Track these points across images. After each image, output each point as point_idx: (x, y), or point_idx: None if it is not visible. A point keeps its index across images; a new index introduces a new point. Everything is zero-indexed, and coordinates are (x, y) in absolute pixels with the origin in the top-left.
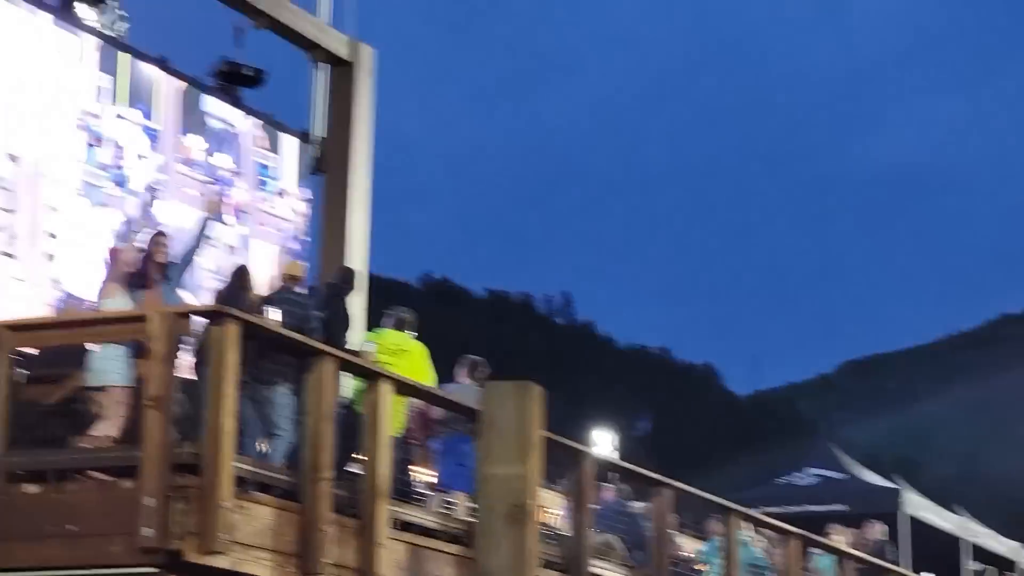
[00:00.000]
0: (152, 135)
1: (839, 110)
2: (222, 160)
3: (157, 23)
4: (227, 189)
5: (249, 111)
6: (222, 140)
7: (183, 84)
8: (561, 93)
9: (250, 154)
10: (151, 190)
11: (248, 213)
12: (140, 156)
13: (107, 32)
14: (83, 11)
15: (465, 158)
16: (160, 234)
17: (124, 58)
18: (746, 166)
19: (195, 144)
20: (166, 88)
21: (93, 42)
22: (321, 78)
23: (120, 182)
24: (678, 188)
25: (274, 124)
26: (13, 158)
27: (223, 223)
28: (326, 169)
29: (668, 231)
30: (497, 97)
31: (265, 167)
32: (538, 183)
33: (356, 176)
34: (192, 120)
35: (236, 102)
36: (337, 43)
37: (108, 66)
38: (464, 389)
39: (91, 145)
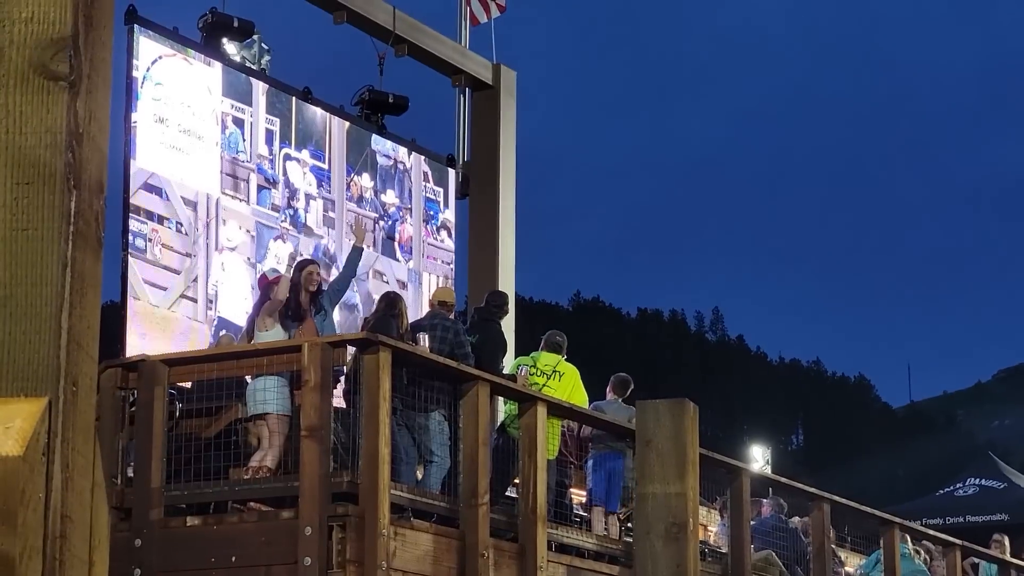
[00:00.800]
0: (321, 175)
1: (984, 110)
2: (390, 196)
3: (300, 55)
4: (397, 224)
5: (394, 138)
6: (390, 176)
7: (347, 123)
8: (702, 103)
9: (418, 189)
10: (323, 229)
11: (417, 248)
12: (310, 197)
13: (251, 66)
14: (229, 46)
15: (609, 175)
16: (310, 262)
17: (291, 100)
18: (892, 171)
19: (364, 182)
20: (333, 127)
21: (261, 86)
22: (463, 102)
23: (293, 223)
24: (824, 197)
25: (419, 150)
26: (189, 203)
27: (378, 253)
28: (472, 193)
29: (817, 241)
30: (639, 111)
31: (433, 201)
32: (683, 197)
33: (502, 199)
34: (360, 158)
35: (381, 130)
36: (479, 67)
37: (276, 109)
38: (612, 406)
39: (263, 188)
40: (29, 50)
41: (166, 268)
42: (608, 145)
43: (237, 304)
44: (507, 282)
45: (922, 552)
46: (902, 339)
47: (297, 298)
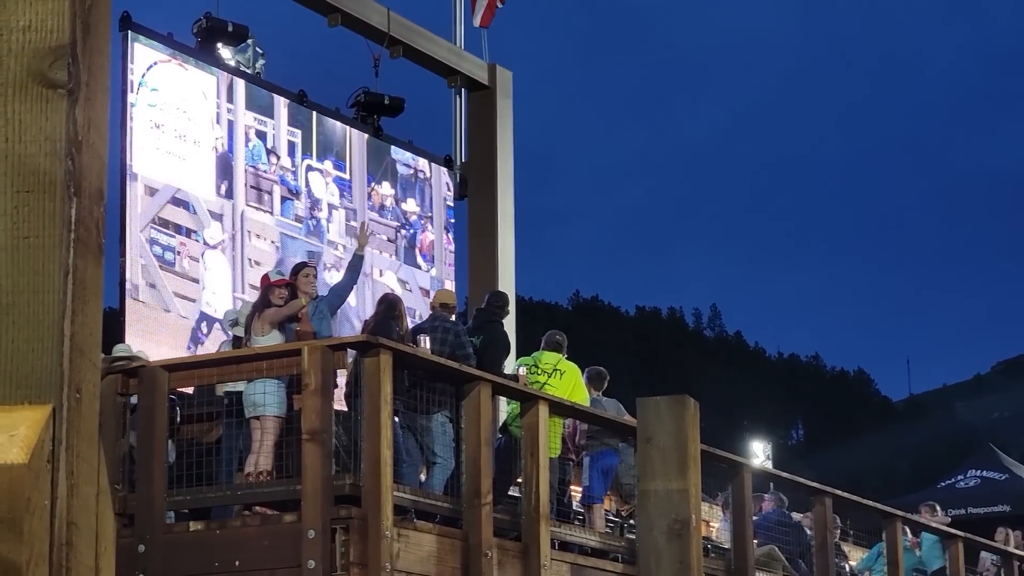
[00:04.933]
0: (343, 185)
1: (981, 104)
2: (411, 205)
3: (295, 58)
4: (418, 233)
5: (390, 140)
6: (410, 185)
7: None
8: (699, 102)
9: (439, 198)
10: (346, 238)
11: (439, 255)
12: (333, 207)
13: (246, 70)
14: (224, 50)
15: (606, 174)
16: (306, 264)
17: (312, 113)
18: (890, 165)
19: (385, 191)
20: (353, 138)
21: (283, 101)
22: (459, 103)
23: (316, 233)
24: (821, 193)
25: (416, 151)
26: (217, 216)
27: (400, 261)
28: (470, 193)
29: (813, 237)
30: (635, 111)
31: (453, 209)
32: (679, 195)
33: (500, 199)
34: (380, 167)
35: (377, 132)
36: (474, 68)
37: (298, 121)
38: (596, 404)
39: (286, 199)
40: (27, 58)
41: (193, 280)
42: (605, 144)
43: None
44: (507, 282)
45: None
46: (901, 332)
47: (294, 298)
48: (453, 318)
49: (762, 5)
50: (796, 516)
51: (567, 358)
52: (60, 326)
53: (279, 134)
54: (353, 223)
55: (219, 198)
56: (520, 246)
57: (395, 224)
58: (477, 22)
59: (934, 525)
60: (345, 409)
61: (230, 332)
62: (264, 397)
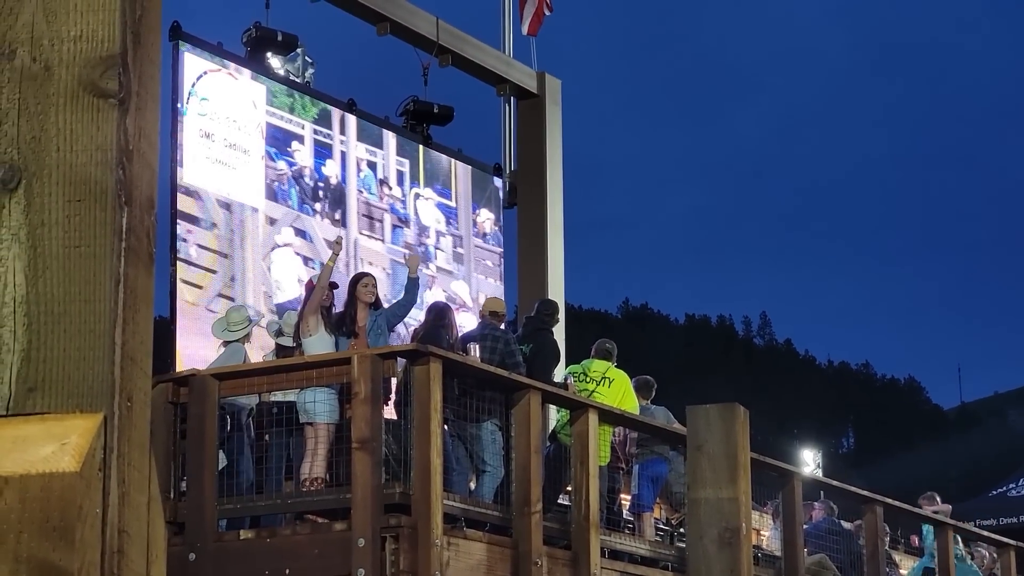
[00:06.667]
0: (450, 212)
1: None
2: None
3: (344, 67)
4: None
5: (439, 148)
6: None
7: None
8: (749, 109)
9: None
10: (453, 264)
11: None
12: (440, 233)
13: (295, 79)
14: (273, 60)
15: (656, 182)
16: (365, 275)
17: (419, 147)
18: (942, 171)
19: (487, 217)
20: (457, 167)
21: (390, 135)
22: (508, 111)
23: (425, 260)
24: (871, 200)
25: (465, 160)
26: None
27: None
28: (520, 202)
29: (863, 244)
30: (685, 118)
31: None
32: (730, 203)
33: (550, 207)
34: (484, 195)
35: (426, 140)
36: (523, 76)
37: (406, 151)
38: (646, 412)
39: (396, 227)
40: (78, 68)
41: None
42: (655, 151)
43: None
44: (556, 290)
45: (976, 553)
46: (952, 340)
47: (352, 312)
48: (503, 326)
49: (813, 12)
50: (846, 525)
51: (616, 366)
52: (111, 335)
53: (388, 164)
54: (460, 249)
55: (277, 204)
56: (570, 254)
57: (498, 250)
58: (525, 30)
59: (985, 534)
60: (395, 417)
61: (274, 341)
62: (315, 405)
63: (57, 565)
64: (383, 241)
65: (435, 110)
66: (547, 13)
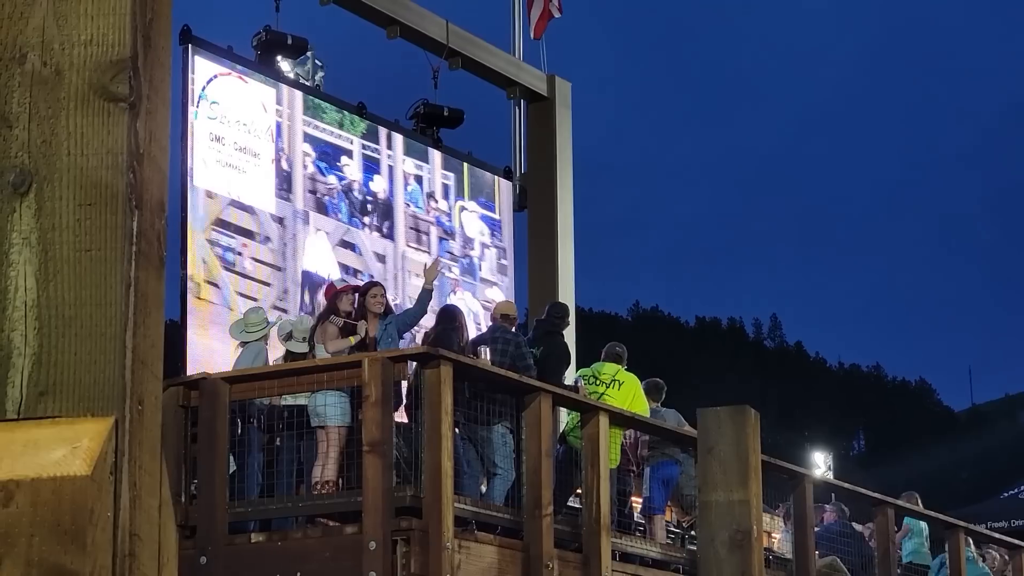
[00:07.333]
0: (494, 225)
1: None
2: None
3: (354, 70)
4: None
5: (449, 151)
6: None
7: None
8: (758, 112)
9: None
10: (496, 275)
11: None
12: (484, 245)
13: (305, 83)
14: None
15: (665, 185)
16: (375, 284)
17: (462, 163)
18: (950, 175)
19: None
20: (500, 181)
21: (437, 154)
22: (518, 114)
23: (470, 271)
24: (880, 203)
25: (475, 163)
26: (381, 258)
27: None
28: (529, 205)
29: (873, 247)
30: (694, 121)
31: None
32: (739, 205)
33: (560, 210)
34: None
35: (436, 143)
36: (533, 79)
37: (451, 165)
38: (656, 414)
39: (442, 239)
40: (89, 72)
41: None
42: (664, 154)
43: None
44: (567, 293)
45: (986, 554)
46: (962, 342)
47: (362, 316)
48: (513, 329)
49: (822, 15)
50: (858, 527)
51: (626, 369)
52: (122, 338)
53: (434, 178)
54: (504, 261)
55: (327, 217)
56: (580, 257)
57: None
58: (532, 33)
59: (997, 536)
60: (406, 421)
61: (283, 345)
62: (327, 408)
63: (69, 569)
64: (429, 253)
65: (445, 113)
66: (555, 15)
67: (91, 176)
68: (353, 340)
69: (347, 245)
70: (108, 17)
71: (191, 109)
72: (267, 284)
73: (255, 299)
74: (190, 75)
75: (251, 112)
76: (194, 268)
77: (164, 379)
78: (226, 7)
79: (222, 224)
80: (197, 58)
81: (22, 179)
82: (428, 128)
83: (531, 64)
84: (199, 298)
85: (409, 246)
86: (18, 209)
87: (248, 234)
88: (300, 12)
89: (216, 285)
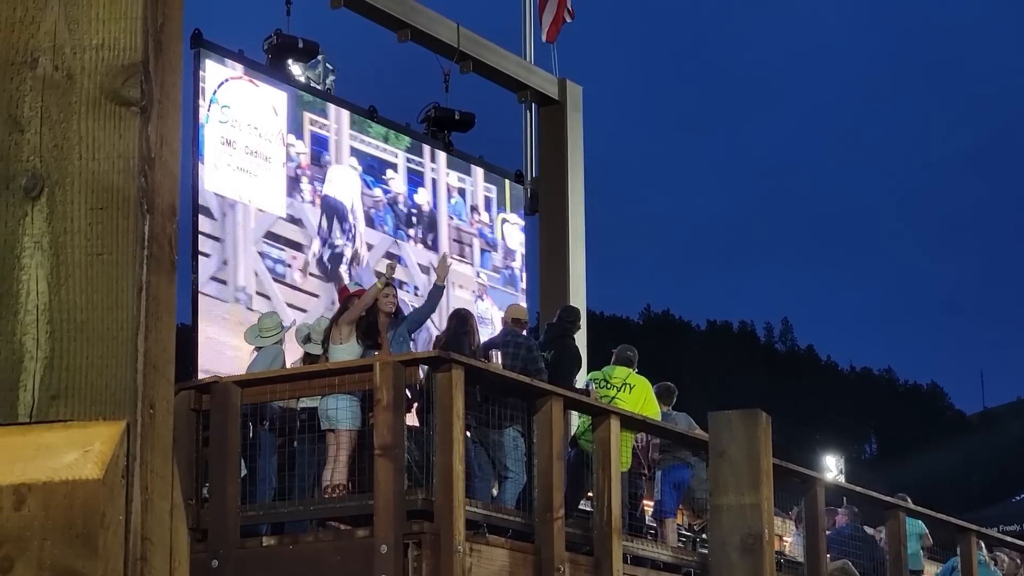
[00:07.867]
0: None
1: None
2: None
3: (365, 73)
4: None
5: (460, 155)
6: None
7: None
8: (770, 115)
9: None
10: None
11: None
12: (525, 256)
13: (316, 86)
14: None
15: (676, 188)
16: (387, 284)
17: (503, 179)
18: (960, 176)
19: None
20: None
21: (480, 171)
22: (529, 118)
23: (511, 282)
24: (892, 206)
25: (487, 167)
26: (425, 269)
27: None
28: (541, 208)
29: (885, 251)
30: (705, 125)
31: None
32: (750, 209)
33: (571, 213)
34: None
35: (447, 147)
36: (544, 82)
37: (492, 178)
38: (667, 418)
39: (485, 251)
40: (100, 76)
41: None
42: (676, 158)
43: None
44: (578, 297)
45: (1000, 559)
46: (974, 345)
47: (373, 319)
48: (525, 333)
49: (837, 17)
50: (869, 530)
51: (637, 372)
52: (134, 342)
53: (477, 191)
54: None
55: (374, 230)
56: (591, 260)
57: None
58: (544, 37)
59: (1009, 540)
60: (417, 424)
61: (302, 348)
62: (337, 412)
63: (80, 572)
64: (472, 265)
65: (456, 117)
66: (568, 20)
67: (103, 180)
68: (380, 284)
69: (392, 257)
70: (120, 21)
71: (202, 113)
72: (315, 296)
73: (304, 311)
74: (201, 79)
75: (262, 116)
76: (246, 279)
77: (176, 383)
78: (237, 11)
79: (272, 237)
80: (208, 62)
81: (34, 183)
82: (439, 132)
83: (542, 68)
84: (250, 309)
85: (453, 258)
86: (30, 213)
87: (297, 247)
88: (311, 15)
89: (267, 296)
